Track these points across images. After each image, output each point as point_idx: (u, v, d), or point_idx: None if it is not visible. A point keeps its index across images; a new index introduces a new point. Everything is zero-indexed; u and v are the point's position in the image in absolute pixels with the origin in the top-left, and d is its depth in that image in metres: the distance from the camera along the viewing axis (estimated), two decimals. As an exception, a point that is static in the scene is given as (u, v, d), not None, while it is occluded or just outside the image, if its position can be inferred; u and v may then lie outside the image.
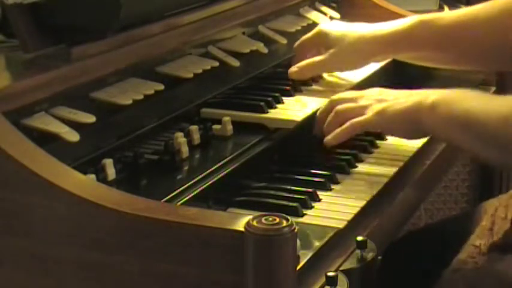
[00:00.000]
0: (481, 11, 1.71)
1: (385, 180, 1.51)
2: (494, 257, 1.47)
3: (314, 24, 2.12)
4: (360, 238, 1.26)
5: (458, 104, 1.44)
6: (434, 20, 1.75)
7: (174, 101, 1.60)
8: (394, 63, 1.93)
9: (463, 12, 1.76)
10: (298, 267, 1.16)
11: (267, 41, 1.93)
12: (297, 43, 1.87)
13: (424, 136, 1.58)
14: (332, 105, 1.58)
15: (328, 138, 1.54)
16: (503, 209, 1.57)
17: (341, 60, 1.78)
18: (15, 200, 1.21)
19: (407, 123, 1.49)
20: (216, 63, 1.73)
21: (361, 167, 1.56)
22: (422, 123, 1.47)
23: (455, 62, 1.83)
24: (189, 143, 1.50)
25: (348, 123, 1.52)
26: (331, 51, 1.77)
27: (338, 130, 1.53)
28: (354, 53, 1.77)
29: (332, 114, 1.56)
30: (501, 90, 2.03)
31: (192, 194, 1.36)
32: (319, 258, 1.24)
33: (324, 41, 1.80)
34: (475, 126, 1.40)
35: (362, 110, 1.53)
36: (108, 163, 1.36)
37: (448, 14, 1.77)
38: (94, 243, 1.17)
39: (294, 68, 1.79)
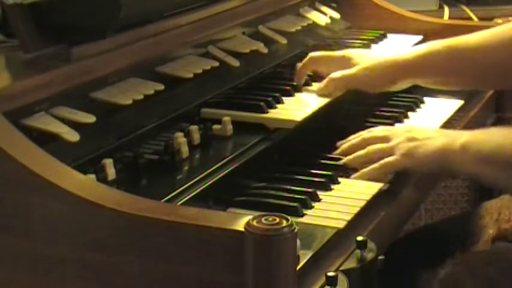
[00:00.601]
0: (499, 34, 1.75)
1: (385, 180, 1.51)
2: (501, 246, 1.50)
3: (314, 24, 2.13)
4: (360, 238, 1.26)
5: (488, 142, 1.49)
6: (453, 45, 1.77)
7: (174, 101, 1.60)
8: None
9: (482, 36, 1.77)
10: (298, 267, 1.16)
11: (267, 41, 1.94)
12: (314, 54, 1.86)
13: (453, 177, 1.63)
14: (364, 143, 1.59)
15: (356, 175, 1.54)
16: (507, 211, 1.59)
17: (366, 78, 1.78)
18: (15, 200, 1.21)
19: (436, 164, 1.52)
20: (216, 63, 1.73)
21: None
22: (451, 165, 1.51)
23: (473, 85, 1.88)
24: (189, 143, 1.50)
25: (377, 165, 1.53)
26: (361, 66, 1.78)
27: (369, 169, 1.53)
28: (377, 76, 1.78)
29: (363, 152, 1.57)
30: (499, 93, 2.04)
31: (192, 194, 1.36)
32: (319, 258, 1.24)
33: (348, 62, 1.81)
34: (507, 161, 1.46)
35: (392, 150, 1.54)
36: (108, 163, 1.36)
37: (467, 38, 1.79)
38: (94, 243, 1.17)
39: (323, 83, 1.77)
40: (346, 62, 1.81)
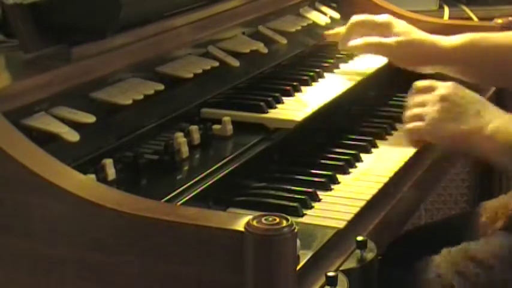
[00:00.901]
0: None
1: (385, 180, 1.51)
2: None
3: (314, 24, 2.13)
4: (360, 238, 1.26)
5: None
6: (480, 40, 1.79)
7: (174, 101, 1.60)
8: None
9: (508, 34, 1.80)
10: (298, 267, 1.16)
11: (267, 41, 1.93)
12: (357, 18, 1.88)
13: (473, 158, 1.63)
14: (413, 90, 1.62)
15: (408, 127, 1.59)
16: (504, 210, 1.58)
17: (403, 53, 1.80)
18: (15, 200, 1.21)
19: (460, 145, 1.53)
20: (216, 63, 1.73)
21: (361, 167, 1.56)
22: (477, 149, 1.51)
23: (495, 81, 1.91)
24: (189, 143, 1.50)
25: (407, 129, 1.58)
26: (399, 39, 1.79)
27: (406, 131, 1.58)
28: (414, 52, 1.80)
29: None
30: (500, 92, 2.04)
31: (192, 194, 1.36)
32: (319, 258, 1.24)
33: (387, 30, 1.82)
34: None
35: (422, 117, 1.56)
36: (108, 163, 1.36)
37: (495, 35, 1.81)
38: (94, 243, 1.17)
39: (357, 41, 1.80)
40: (387, 29, 1.83)
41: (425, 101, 1.58)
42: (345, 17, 2.18)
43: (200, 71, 1.67)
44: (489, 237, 1.54)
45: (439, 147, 1.60)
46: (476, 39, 1.78)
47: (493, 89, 2.01)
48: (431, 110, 1.55)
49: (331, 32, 1.99)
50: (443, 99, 1.56)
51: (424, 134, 1.56)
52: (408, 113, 1.61)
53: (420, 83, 1.63)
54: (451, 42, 1.79)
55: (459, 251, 1.51)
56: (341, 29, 1.95)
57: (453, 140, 1.52)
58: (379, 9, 2.22)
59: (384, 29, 1.84)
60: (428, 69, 1.82)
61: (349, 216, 1.36)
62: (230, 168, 1.46)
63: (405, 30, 1.81)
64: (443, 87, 1.57)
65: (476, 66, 1.80)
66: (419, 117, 1.57)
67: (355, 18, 1.88)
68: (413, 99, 1.62)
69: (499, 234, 1.53)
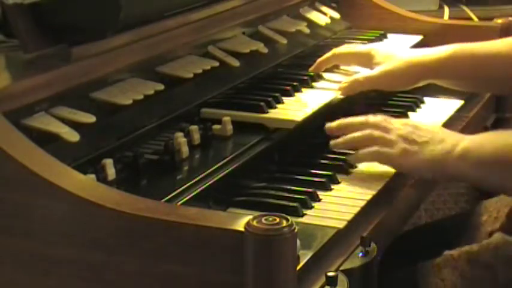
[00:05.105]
0: None
1: (385, 180, 1.51)
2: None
3: (314, 24, 2.13)
4: (360, 238, 1.26)
5: (486, 147, 1.47)
6: (472, 50, 1.78)
7: (174, 101, 1.60)
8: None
9: (503, 44, 1.80)
10: (298, 267, 1.16)
11: (267, 41, 1.94)
12: (338, 50, 1.88)
13: (449, 181, 1.61)
14: (366, 125, 1.56)
15: (352, 157, 1.54)
16: (506, 209, 1.59)
17: (390, 78, 1.79)
18: (15, 200, 1.21)
19: (434, 172, 1.50)
20: (216, 63, 1.73)
21: (361, 167, 1.56)
22: (451, 173, 1.49)
23: (489, 88, 1.92)
24: (189, 143, 1.50)
25: (374, 149, 1.52)
26: (383, 68, 1.79)
27: (367, 151, 1.53)
28: (401, 76, 1.79)
29: (361, 134, 1.55)
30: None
31: (192, 194, 1.36)
32: (319, 258, 1.24)
33: (370, 60, 1.83)
34: (505, 164, 1.44)
35: (391, 143, 1.52)
36: (108, 163, 1.36)
37: (486, 45, 1.80)
38: (94, 243, 1.17)
39: (345, 83, 1.79)
40: (369, 60, 1.82)
41: (389, 129, 1.54)
42: (345, 17, 2.18)
43: (200, 71, 1.67)
44: (490, 239, 1.54)
45: (409, 175, 1.58)
46: (464, 50, 1.78)
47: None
48: (398, 139, 1.52)
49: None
50: (409, 130, 1.53)
51: (396, 162, 1.51)
52: (371, 132, 1.55)
53: (356, 120, 1.59)
54: (439, 54, 1.78)
55: (461, 254, 1.51)
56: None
57: (423, 168, 1.50)
58: (379, 9, 2.23)
59: (365, 60, 1.84)
60: (420, 85, 1.83)
61: (349, 216, 1.36)
62: (230, 168, 1.46)
63: (387, 56, 1.81)
64: (398, 123, 1.56)
65: (468, 77, 1.81)
66: (382, 141, 1.52)
67: (337, 49, 1.88)
68: (363, 120, 1.58)
69: (499, 234, 1.53)
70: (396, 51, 1.83)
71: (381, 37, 2.17)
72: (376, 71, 1.79)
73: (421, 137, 1.52)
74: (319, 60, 1.87)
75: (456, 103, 1.93)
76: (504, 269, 1.47)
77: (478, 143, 1.48)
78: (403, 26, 2.21)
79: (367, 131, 1.55)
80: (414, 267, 1.57)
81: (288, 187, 1.45)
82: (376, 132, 1.54)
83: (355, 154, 1.54)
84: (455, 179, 1.53)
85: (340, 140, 1.56)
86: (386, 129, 1.54)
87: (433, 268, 1.53)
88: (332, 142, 1.57)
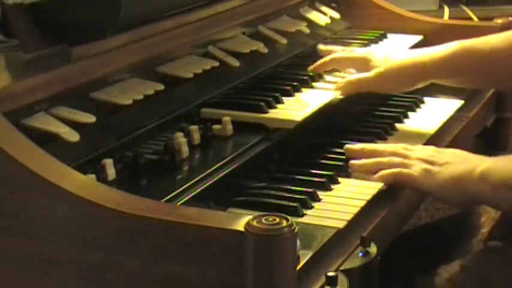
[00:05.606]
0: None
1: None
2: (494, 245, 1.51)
3: (314, 24, 2.13)
4: (360, 238, 1.26)
5: (508, 168, 1.44)
6: (472, 47, 1.77)
7: (174, 101, 1.60)
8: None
9: (499, 38, 1.78)
10: (298, 267, 1.16)
11: (267, 41, 1.94)
12: (336, 55, 1.88)
13: (474, 204, 1.59)
14: (387, 153, 1.55)
15: (375, 177, 1.51)
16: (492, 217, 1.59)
17: (385, 82, 1.79)
18: (15, 200, 1.21)
19: (455, 191, 1.48)
20: (216, 63, 1.73)
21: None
22: (472, 193, 1.46)
23: (491, 85, 1.91)
24: (189, 143, 1.50)
25: (396, 170, 1.50)
26: (377, 70, 1.78)
27: (388, 172, 1.50)
28: (396, 79, 1.78)
29: (384, 160, 1.53)
30: (500, 93, 2.04)
31: (192, 194, 1.36)
32: (319, 258, 1.24)
33: (367, 64, 1.81)
34: None
35: (411, 166, 1.50)
36: (108, 163, 1.36)
37: (486, 40, 1.79)
38: (94, 243, 1.17)
39: (340, 84, 1.79)
40: (366, 64, 1.82)
41: (408, 155, 1.53)
42: (345, 17, 2.18)
43: (200, 71, 1.67)
44: (484, 249, 1.54)
45: (435, 197, 1.56)
46: (464, 46, 1.77)
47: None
48: (418, 161, 1.50)
49: (324, 48, 1.97)
50: (429, 153, 1.52)
51: (418, 182, 1.49)
52: (391, 159, 1.53)
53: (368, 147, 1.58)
54: (440, 53, 1.77)
55: (457, 268, 1.51)
56: (333, 48, 1.94)
57: (447, 186, 1.48)
58: (379, 9, 2.23)
59: (362, 64, 1.83)
60: (420, 86, 1.82)
61: (349, 216, 1.36)
62: (230, 168, 1.46)
63: (383, 59, 1.80)
64: (418, 148, 1.55)
65: (471, 73, 1.79)
66: (402, 165, 1.51)
67: (335, 54, 1.88)
68: (384, 148, 1.57)
69: (495, 243, 1.53)
70: (393, 54, 1.82)
71: (381, 37, 2.17)
72: (370, 73, 1.78)
73: (442, 158, 1.50)
74: (317, 63, 1.87)
75: (456, 103, 1.93)
76: (499, 279, 1.47)
77: (500, 164, 1.46)
78: (403, 26, 2.22)
79: (387, 158, 1.53)
80: (413, 280, 1.57)
81: (288, 187, 1.45)
82: (396, 159, 1.52)
83: (376, 175, 1.51)
84: (477, 200, 1.50)
85: (360, 162, 1.54)
86: (406, 156, 1.53)
87: (429, 285, 1.53)
88: (351, 163, 1.54)
